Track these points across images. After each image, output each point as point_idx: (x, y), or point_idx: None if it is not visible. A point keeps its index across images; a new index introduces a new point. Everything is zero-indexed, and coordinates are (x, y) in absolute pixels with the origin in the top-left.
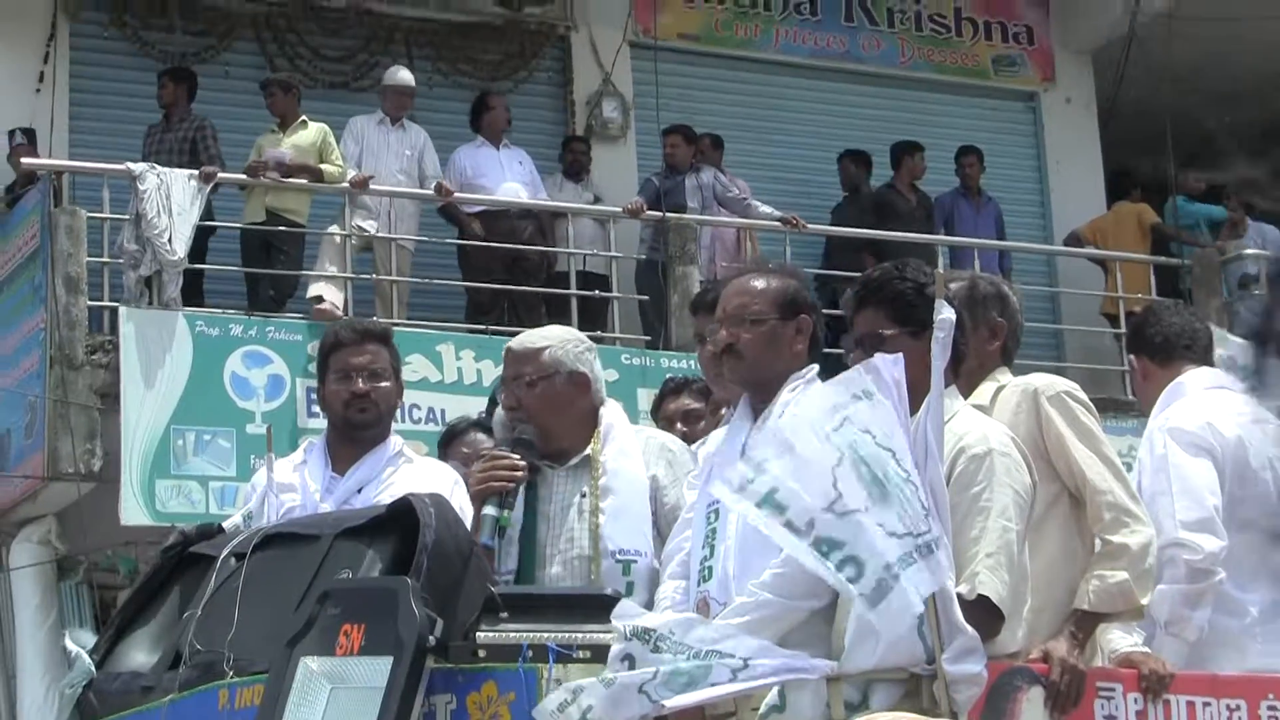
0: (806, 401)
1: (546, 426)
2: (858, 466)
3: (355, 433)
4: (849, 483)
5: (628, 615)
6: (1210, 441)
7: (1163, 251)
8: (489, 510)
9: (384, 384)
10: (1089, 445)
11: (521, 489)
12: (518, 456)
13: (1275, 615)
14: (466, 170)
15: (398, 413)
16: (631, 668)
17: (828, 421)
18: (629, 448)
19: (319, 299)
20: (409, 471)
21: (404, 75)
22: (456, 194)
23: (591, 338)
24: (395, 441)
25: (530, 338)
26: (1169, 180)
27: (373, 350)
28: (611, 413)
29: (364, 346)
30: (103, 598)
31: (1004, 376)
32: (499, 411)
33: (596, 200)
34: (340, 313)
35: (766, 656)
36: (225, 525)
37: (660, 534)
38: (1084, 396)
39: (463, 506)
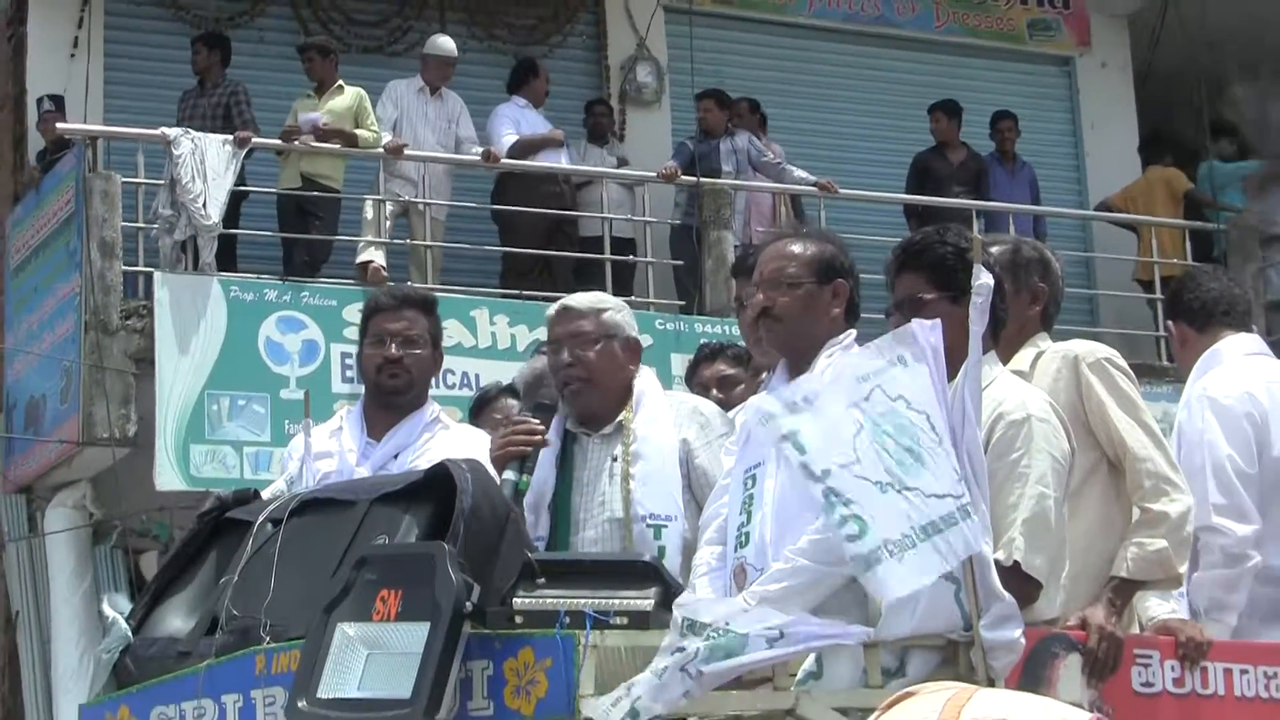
0: (838, 367)
1: (601, 388)
2: (881, 440)
3: (388, 399)
4: (868, 455)
5: (687, 605)
6: (1249, 410)
7: (1197, 217)
8: (508, 475)
9: (418, 351)
10: (1129, 413)
11: (547, 453)
12: (537, 421)
13: None
14: (520, 125)
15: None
16: None
17: (856, 391)
18: (659, 414)
19: (368, 264)
20: (445, 438)
21: (446, 44)
22: (504, 160)
23: (624, 302)
24: (432, 408)
25: (586, 298)
26: (1202, 145)
27: (410, 317)
28: (644, 380)
29: (401, 313)
30: (137, 563)
31: (1044, 342)
32: (525, 370)
33: (622, 164)
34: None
35: (801, 626)
36: (266, 492)
37: (694, 496)
38: (1124, 364)
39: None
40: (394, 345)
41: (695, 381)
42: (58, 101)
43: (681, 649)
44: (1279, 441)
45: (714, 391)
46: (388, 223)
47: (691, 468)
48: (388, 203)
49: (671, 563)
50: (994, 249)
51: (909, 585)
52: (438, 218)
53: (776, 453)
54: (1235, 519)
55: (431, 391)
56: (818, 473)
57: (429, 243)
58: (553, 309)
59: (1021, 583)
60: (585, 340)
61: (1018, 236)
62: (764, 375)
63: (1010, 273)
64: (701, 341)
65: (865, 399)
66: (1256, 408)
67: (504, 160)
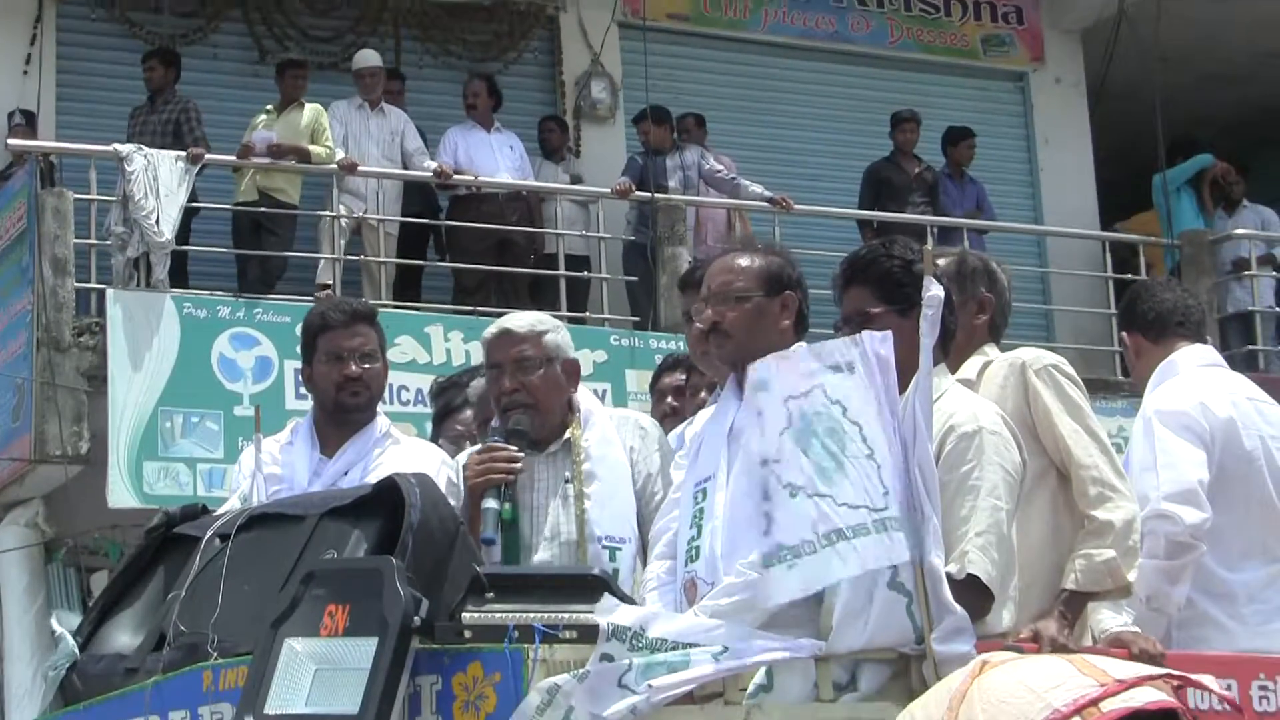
0: (791, 356)
1: (545, 412)
2: (806, 441)
3: (346, 415)
4: (788, 455)
5: (607, 610)
6: (1201, 422)
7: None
8: (490, 504)
9: (376, 366)
10: (1075, 419)
11: None
12: (515, 448)
13: (1263, 594)
14: (458, 150)
15: (386, 394)
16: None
17: (799, 385)
18: (610, 434)
19: (325, 286)
20: (396, 452)
21: (367, 57)
22: (455, 176)
23: (578, 319)
24: (382, 422)
25: (525, 320)
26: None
27: (363, 332)
28: (588, 398)
29: (354, 328)
30: (90, 580)
31: (992, 352)
32: (480, 385)
33: (576, 180)
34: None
35: (748, 640)
36: (221, 509)
37: (637, 506)
38: (1071, 371)
39: (455, 485)
40: (353, 362)
41: (655, 388)
42: (28, 116)
43: (609, 656)
44: (1231, 453)
45: (669, 399)
46: (342, 240)
47: (636, 473)
48: (341, 219)
49: (624, 586)
50: (939, 260)
51: (796, 591)
52: (390, 233)
53: (727, 464)
54: (1185, 504)
55: (385, 408)
56: (759, 461)
57: (382, 259)
58: (490, 332)
59: (974, 596)
60: (528, 366)
61: (963, 248)
62: (703, 394)
63: (956, 283)
64: (658, 357)
65: (805, 394)
66: (1209, 419)
67: (455, 177)
